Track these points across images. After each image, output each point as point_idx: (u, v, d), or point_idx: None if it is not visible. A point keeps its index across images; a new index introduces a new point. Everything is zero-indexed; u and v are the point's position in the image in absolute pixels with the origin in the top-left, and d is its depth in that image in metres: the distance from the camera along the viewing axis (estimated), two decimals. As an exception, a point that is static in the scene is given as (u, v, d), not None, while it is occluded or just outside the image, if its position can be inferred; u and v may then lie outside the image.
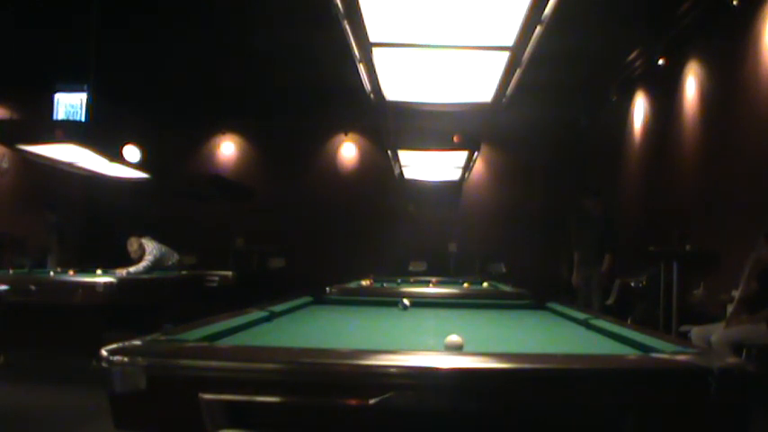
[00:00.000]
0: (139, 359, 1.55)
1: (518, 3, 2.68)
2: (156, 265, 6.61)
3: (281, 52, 7.91)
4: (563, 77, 8.26)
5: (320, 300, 3.71)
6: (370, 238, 10.54)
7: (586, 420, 1.49)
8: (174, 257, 7.05)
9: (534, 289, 4.61)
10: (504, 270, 10.04)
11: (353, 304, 3.64)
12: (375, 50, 3.26)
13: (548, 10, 2.68)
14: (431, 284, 6.03)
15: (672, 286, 6.31)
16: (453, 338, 1.89)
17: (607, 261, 7.07)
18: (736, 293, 4.74)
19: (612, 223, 7.45)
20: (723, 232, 5.86)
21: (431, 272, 8.88)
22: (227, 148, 11.44)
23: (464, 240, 10.64)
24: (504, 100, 4.04)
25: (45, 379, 4.81)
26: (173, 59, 8.35)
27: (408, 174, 8.34)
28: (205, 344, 1.85)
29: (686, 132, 6.84)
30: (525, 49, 3.14)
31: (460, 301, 3.91)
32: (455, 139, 6.58)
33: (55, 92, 6.91)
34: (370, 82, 3.77)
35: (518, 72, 3.51)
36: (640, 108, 8.35)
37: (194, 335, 1.93)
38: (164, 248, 6.84)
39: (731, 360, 1.59)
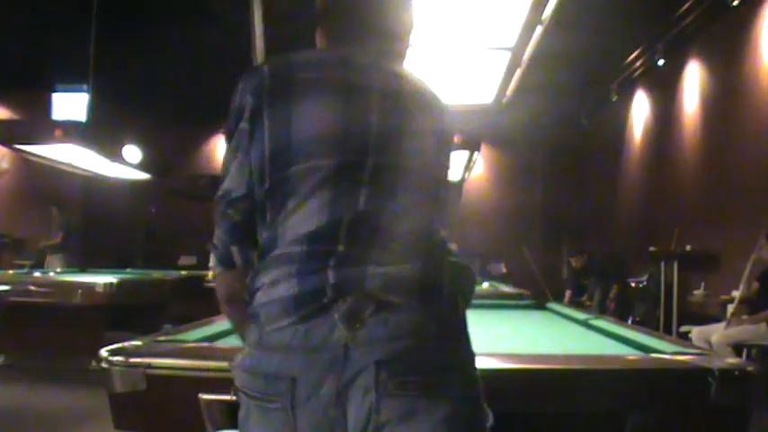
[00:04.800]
0: (139, 359, 1.55)
1: (518, 3, 2.68)
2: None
3: (281, 51, 7.90)
4: (563, 77, 8.26)
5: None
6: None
7: (586, 420, 1.49)
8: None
9: (534, 289, 4.62)
10: (504, 270, 10.03)
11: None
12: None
13: (548, 10, 2.67)
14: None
15: (672, 286, 6.31)
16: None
17: (614, 290, 7.17)
18: (736, 293, 4.74)
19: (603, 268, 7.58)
20: (723, 232, 5.86)
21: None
22: (228, 148, 11.44)
23: (464, 240, 10.63)
24: (504, 100, 4.03)
25: (45, 379, 4.81)
26: (173, 59, 8.35)
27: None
28: (205, 344, 1.85)
29: (686, 132, 6.84)
30: (525, 50, 3.14)
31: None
32: (455, 139, 6.57)
33: (55, 92, 6.92)
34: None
35: (518, 72, 3.51)
36: (640, 108, 8.35)
37: (194, 335, 1.93)
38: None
39: (731, 360, 1.59)
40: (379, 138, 1.11)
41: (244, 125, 1.15)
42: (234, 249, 1.17)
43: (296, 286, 1.01)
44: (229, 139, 1.18)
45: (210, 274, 6.75)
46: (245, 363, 1.06)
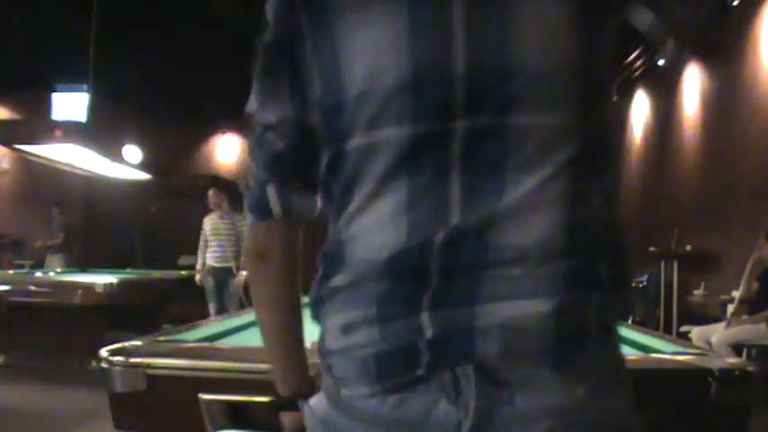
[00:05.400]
0: (139, 359, 1.55)
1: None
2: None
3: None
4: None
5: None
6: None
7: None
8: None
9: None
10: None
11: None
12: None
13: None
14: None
15: (672, 286, 6.32)
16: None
17: None
18: (736, 293, 4.74)
19: None
20: (723, 232, 5.86)
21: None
22: (227, 148, 11.44)
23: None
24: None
25: (45, 379, 4.81)
26: (173, 59, 8.36)
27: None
28: (205, 344, 1.85)
29: (686, 132, 6.85)
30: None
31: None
32: None
33: (54, 92, 6.92)
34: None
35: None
36: (640, 108, 8.35)
37: (194, 335, 1.93)
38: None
39: (731, 360, 1.59)
40: (472, 74, 0.68)
41: (270, 38, 0.84)
42: (270, 190, 0.83)
43: (378, 339, 0.71)
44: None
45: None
46: (322, 414, 0.78)
